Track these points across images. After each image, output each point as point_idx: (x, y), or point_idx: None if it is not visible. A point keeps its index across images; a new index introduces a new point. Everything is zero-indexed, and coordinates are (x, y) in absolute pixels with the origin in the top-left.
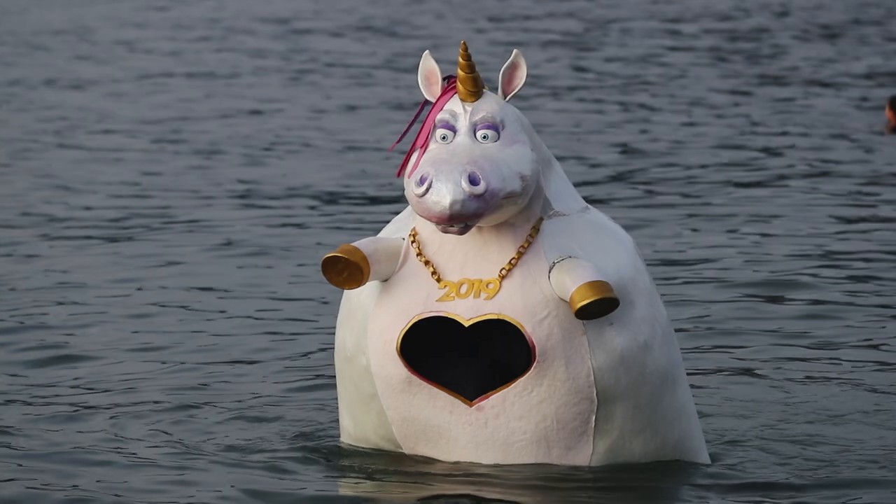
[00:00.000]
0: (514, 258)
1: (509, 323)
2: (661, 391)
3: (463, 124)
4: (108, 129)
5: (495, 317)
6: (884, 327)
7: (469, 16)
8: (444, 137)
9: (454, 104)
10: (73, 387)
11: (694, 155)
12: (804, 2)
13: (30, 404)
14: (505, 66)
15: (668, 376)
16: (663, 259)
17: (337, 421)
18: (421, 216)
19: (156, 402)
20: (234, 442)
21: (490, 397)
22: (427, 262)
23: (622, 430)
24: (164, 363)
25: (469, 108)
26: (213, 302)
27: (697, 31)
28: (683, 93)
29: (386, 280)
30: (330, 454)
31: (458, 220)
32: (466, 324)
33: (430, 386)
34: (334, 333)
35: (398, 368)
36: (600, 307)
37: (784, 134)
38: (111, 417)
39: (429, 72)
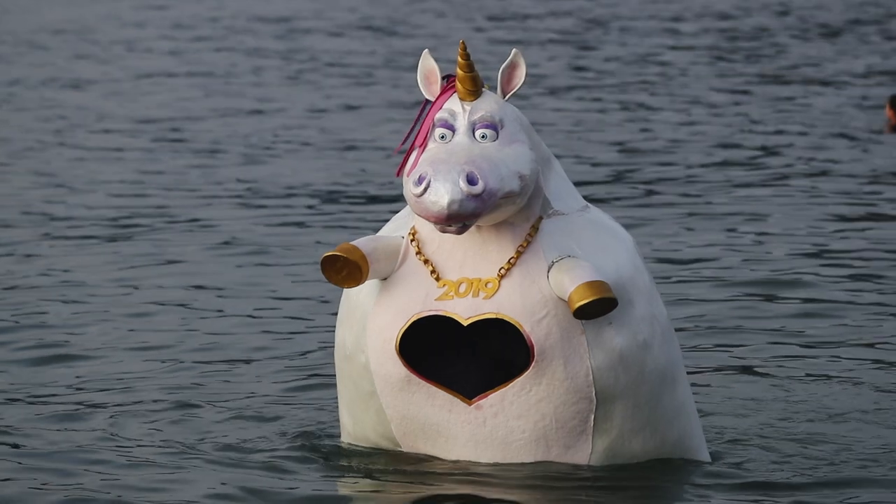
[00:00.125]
0: (513, 257)
1: (508, 322)
2: (660, 390)
3: (462, 123)
4: (107, 128)
5: (494, 316)
6: (884, 326)
7: (469, 15)
8: (442, 137)
9: (453, 103)
10: (72, 385)
11: (693, 154)
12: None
13: (28, 403)
14: (504, 65)
15: (667, 375)
16: (662, 258)
17: (336, 420)
18: (419, 216)
19: (154, 401)
20: (232, 441)
21: (489, 396)
22: (426, 261)
23: (621, 429)
24: (163, 362)
25: (468, 108)
26: (212, 301)
27: (697, 30)
28: (683, 92)
29: (385, 279)
30: (329, 454)
31: (456, 220)
32: (465, 323)
33: (428, 384)
34: (334, 332)
35: (397, 367)
36: (598, 307)
37: (784, 133)
38: (110, 416)
39: (428, 71)
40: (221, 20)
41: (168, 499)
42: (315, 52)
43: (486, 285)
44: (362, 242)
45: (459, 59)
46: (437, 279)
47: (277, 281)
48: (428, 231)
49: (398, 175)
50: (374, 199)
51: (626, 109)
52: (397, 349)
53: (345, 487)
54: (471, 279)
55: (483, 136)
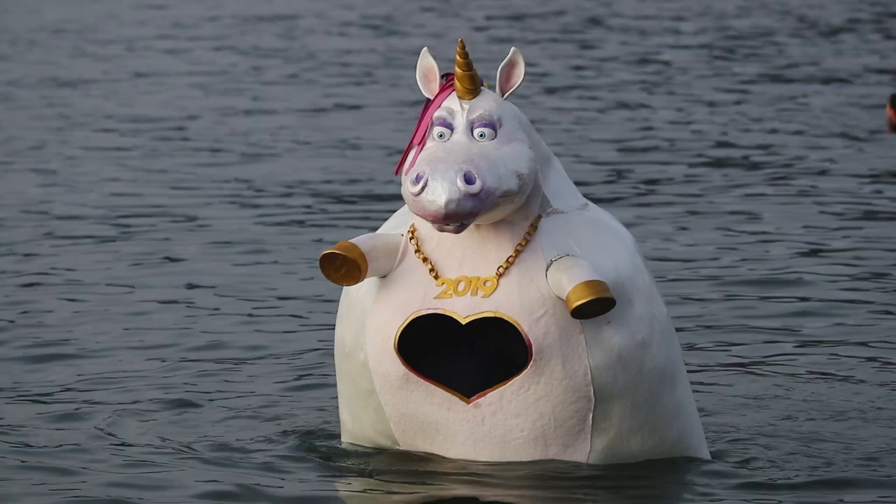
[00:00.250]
0: (511, 256)
1: (506, 321)
2: (659, 389)
3: (460, 122)
4: (106, 127)
5: (492, 315)
6: (884, 325)
7: (468, 13)
8: (441, 135)
9: (452, 102)
10: (70, 384)
11: (692, 153)
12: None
13: (26, 401)
14: (503, 63)
15: (666, 374)
16: (661, 257)
17: (335, 420)
18: (417, 214)
19: (153, 400)
20: (231, 441)
21: (487, 395)
22: (425, 259)
23: (620, 428)
24: (161, 361)
25: (466, 106)
26: (211, 300)
27: (697, 28)
28: (682, 91)
29: (384, 276)
30: (328, 453)
31: (454, 219)
32: (463, 321)
33: (427, 383)
34: (333, 331)
35: (395, 365)
36: (596, 307)
37: (783, 132)
38: (108, 415)
39: (427, 69)
40: (221, 19)
41: (166, 498)
42: (315, 50)
43: (484, 284)
44: (361, 240)
45: (458, 57)
46: (436, 277)
47: (277, 280)
48: (427, 229)
49: (397, 173)
50: (373, 198)
51: (625, 108)
52: (396, 347)
53: (343, 487)
54: (469, 278)
55: (481, 135)
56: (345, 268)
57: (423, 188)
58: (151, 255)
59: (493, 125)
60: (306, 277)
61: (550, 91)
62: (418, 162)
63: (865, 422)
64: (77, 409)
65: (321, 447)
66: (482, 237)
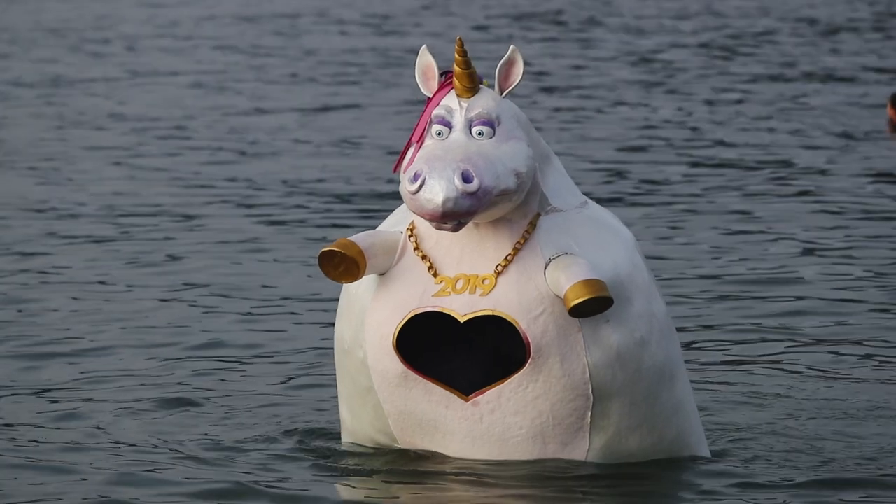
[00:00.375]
0: (510, 254)
1: (505, 319)
2: (658, 387)
3: (458, 120)
4: (106, 126)
5: (490, 313)
6: (884, 324)
7: (468, 12)
8: (439, 133)
9: (450, 100)
10: (68, 383)
11: (692, 152)
12: None
13: (25, 401)
14: (502, 62)
15: (665, 372)
16: (661, 256)
17: (334, 419)
18: (414, 213)
19: (152, 399)
20: (230, 440)
21: (485, 393)
22: (424, 257)
23: (618, 427)
24: (160, 360)
25: (465, 104)
26: (210, 299)
27: (697, 27)
28: (682, 90)
29: (383, 274)
30: (327, 453)
31: (451, 218)
32: (462, 319)
33: (425, 380)
34: (331, 330)
35: (394, 363)
36: (594, 306)
37: (783, 131)
38: (106, 414)
39: (426, 67)
40: (221, 18)
41: (165, 497)
42: (315, 49)
43: (482, 282)
44: (360, 238)
45: (456, 55)
46: (435, 275)
47: (276, 278)
48: (426, 227)
49: (395, 171)
50: (373, 197)
51: (625, 107)
52: (394, 345)
53: (343, 487)
54: (468, 275)
55: (480, 133)
56: (343, 265)
57: (420, 186)
58: (151, 254)
59: (491, 123)
60: (306, 276)
61: (549, 90)
62: (416, 160)
63: (865, 420)
64: (76, 407)
65: (320, 446)
66: (481, 235)
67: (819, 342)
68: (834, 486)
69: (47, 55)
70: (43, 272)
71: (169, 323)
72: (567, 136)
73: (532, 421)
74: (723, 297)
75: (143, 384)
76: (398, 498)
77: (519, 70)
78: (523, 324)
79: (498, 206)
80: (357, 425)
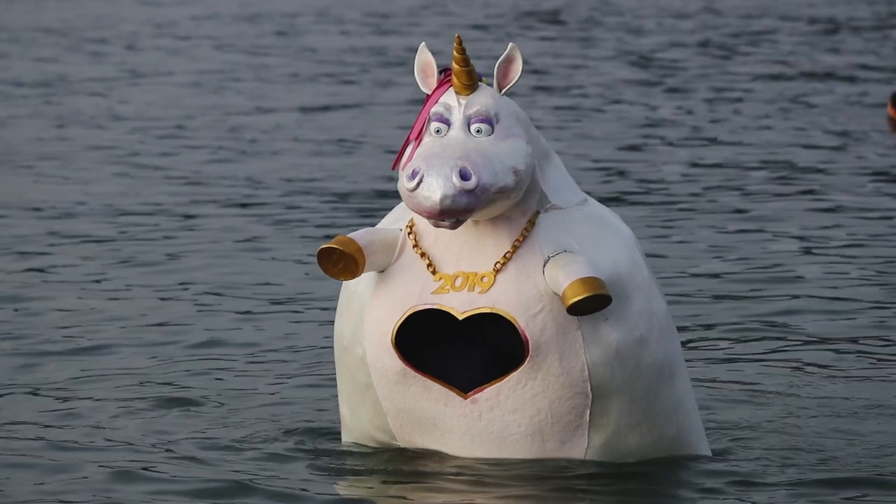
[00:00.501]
0: (509, 252)
1: (503, 317)
2: (657, 385)
3: (457, 118)
4: (106, 125)
5: (489, 310)
6: (885, 323)
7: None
8: (438, 131)
9: (449, 97)
10: (67, 382)
11: (691, 151)
12: None
13: (24, 400)
14: (500, 59)
15: (665, 371)
16: (660, 254)
17: (334, 418)
18: (412, 210)
19: (151, 398)
20: (229, 439)
21: (484, 390)
22: (423, 254)
23: (618, 425)
24: (159, 359)
25: (464, 102)
26: (209, 297)
27: (696, 26)
28: (682, 89)
29: (383, 271)
30: (327, 452)
31: (449, 216)
32: (460, 317)
33: (424, 378)
34: (332, 329)
35: (393, 360)
36: (592, 304)
37: (783, 130)
38: (105, 413)
39: (425, 64)
40: (221, 17)
41: (164, 497)
42: (315, 48)
43: (481, 279)
44: (359, 235)
45: (455, 52)
46: (434, 272)
47: (275, 277)
48: (425, 224)
49: (394, 168)
50: (372, 196)
51: (625, 105)
52: (393, 342)
53: (343, 487)
54: (467, 273)
55: (478, 131)
56: (342, 262)
57: (418, 184)
58: (150, 253)
59: (489, 121)
60: (305, 275)
61: (548, 89)
62: (414, 157)
63: (866, 418)
64: (75, 406)
65: (320, 446)
66: (480, 233)
67: (819, 340)
68: (834, 485)
69: (47, 55)
70: (42, 271)
71: (168, 322)
72: (566, 134)
73: (531, 419)
74: (722, 296)
75: (142, 383)
76: (398, 497)
77: (518, 68)
78: (522, 321)
79: (496, 203)
80: (356, 422)
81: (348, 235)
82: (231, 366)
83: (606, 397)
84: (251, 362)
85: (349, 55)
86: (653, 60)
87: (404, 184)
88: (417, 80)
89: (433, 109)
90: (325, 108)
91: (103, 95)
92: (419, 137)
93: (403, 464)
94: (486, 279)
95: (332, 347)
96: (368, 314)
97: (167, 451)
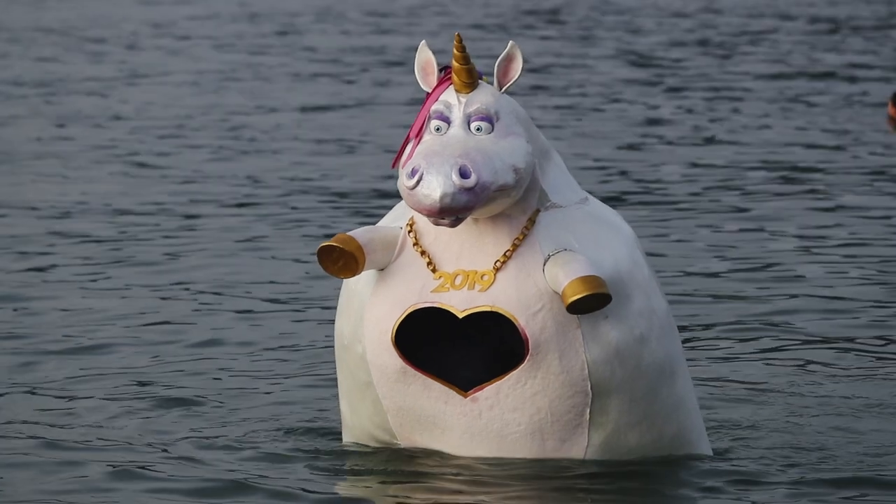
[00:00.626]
0: (509, 250)
1: (503, 315)
2: (657, 384)
3: (457, 116)
4: (106, 125)
5: (489, 309)
6: (886, 322)
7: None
8: (437, 129)
9: (449, 95)
10: (66, 381)
11: (691, 151)
12: None
13: (24, 399)
14: (500, 57)
15: (665, 369)
16: (660, 254)
17: (334, 417)
18: (412, 208)
19: (150, 398)
20: (229, 438)
21: (484, 389)
22: (423, 253)
23: (618, 423)
24: (159, 358)
25: (464, 100)
26: (209, 297)
27: (696, 25)
28: (681, 88)
29: (383, 269)
30: (327, 452)
31: (449, 214)
32: (460, 315)
33: (424, 376)
34: (332, 329)
35: (393, 358)
36: (592, 303)
37: (783, 130)
38: (105, 413)
39: (425, 62)
40: (221, 17)
41: (164, 496)
42: (315, 48)
43: (481, 278)
44: (359, 233)
45: (455, 50)
46: (434, 271)
47: (275, 277)
48: (425, 222)
49: (393, 166)
50: (372, 195)
51: (626, 104)
52: (393, 340)
53: (342, 486)
54: (467, 271)
55: (478, 129)
56: (342, 260)
57: (418, 182)
58: (150, 253)
59: (490, 119)
60: (305, 275)
61: (548, 88)
62: (414, 156)
63: (866, 418)
64: (74, 406)
65: (320, 445)
66: (480, 231)
67: (819, 339)
68: (835, 484)
69: (47, 55)
70: (42, 271)
71: (168, 321)
72: (565, 133)
73: (531, 417)
74: (722, 296)
75: (141, 383)
76: (398, 497)
77: (518, 66)
78: (522, 320)
79: (496, 201)
80: (356, 421)
81: (348, 233)
82: (231, 365)
83: (606, 396)
84: (251, 362)
85: (349, 55)
86: (652, 60)
87: (404, 182)
88: (418, 78)
89: (433, 107)
90: (325, 108)
91: (103, 95)
92: (419, 135)
93: (403, 464)
94: (486, 277)
95: (332, 347)
96: (368, 312)
97: (166, 450)
